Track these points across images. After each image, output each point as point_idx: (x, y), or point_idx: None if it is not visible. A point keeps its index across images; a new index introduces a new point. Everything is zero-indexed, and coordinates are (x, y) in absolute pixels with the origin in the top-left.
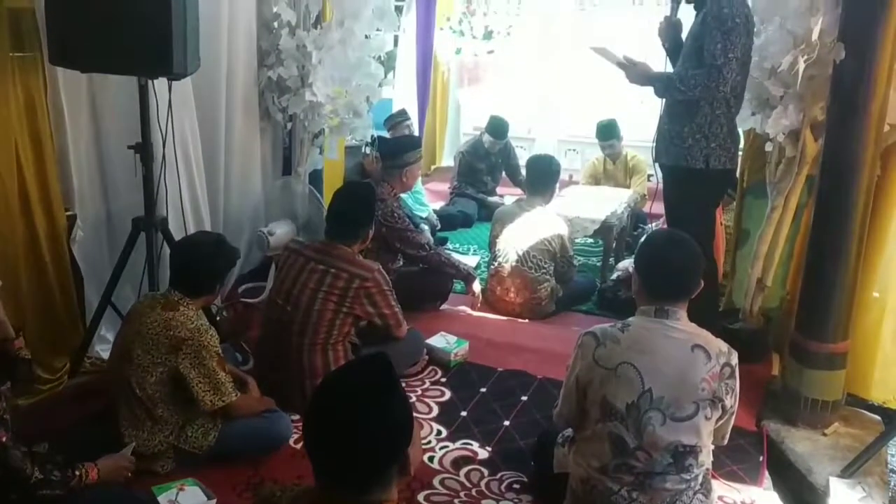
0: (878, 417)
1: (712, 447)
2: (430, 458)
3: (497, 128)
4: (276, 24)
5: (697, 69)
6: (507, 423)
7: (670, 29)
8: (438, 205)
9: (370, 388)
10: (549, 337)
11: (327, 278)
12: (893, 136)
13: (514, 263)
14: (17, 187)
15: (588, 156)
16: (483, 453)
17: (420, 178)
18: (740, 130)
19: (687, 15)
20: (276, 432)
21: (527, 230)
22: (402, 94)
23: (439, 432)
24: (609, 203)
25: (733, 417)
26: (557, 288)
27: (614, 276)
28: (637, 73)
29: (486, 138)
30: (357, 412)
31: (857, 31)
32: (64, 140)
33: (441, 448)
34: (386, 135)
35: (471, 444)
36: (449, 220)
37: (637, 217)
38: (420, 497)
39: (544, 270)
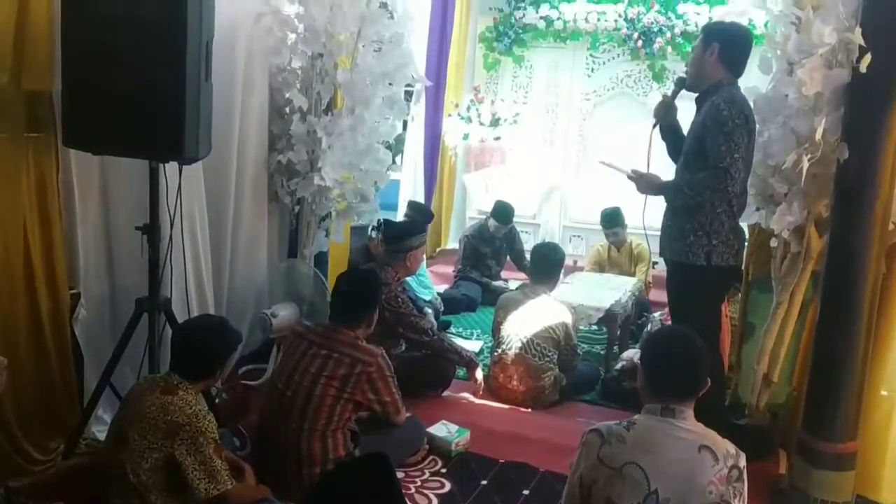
0: None
1: None
2: None
3: (502, 212)
4: (287, 109)
5: (702, 172)
6: None
7: (662, 109)
8: (442, 288)
9: (370, 497)
10: (553, 427)
11: (329, 363)
12: None
13: (517, 351)
14: (23, 265)
15: (593, 242)
16: None
17: (425, 261)
18: (744, 225)
19: (686, 102)
20: None
21: (531, 317)
22: (409, 176)
23: None
24: (613, 291)
25: None
26: (561, 377)
27: (618, 365)
28: (646, 184)
29: (491, 223)
30: None
31: (861, 132)
32: (72, 219)
33: None
34: (392, 216)
35: None
36: (453, 304)
37: (641, 305)
38: None
39: (548, 358)
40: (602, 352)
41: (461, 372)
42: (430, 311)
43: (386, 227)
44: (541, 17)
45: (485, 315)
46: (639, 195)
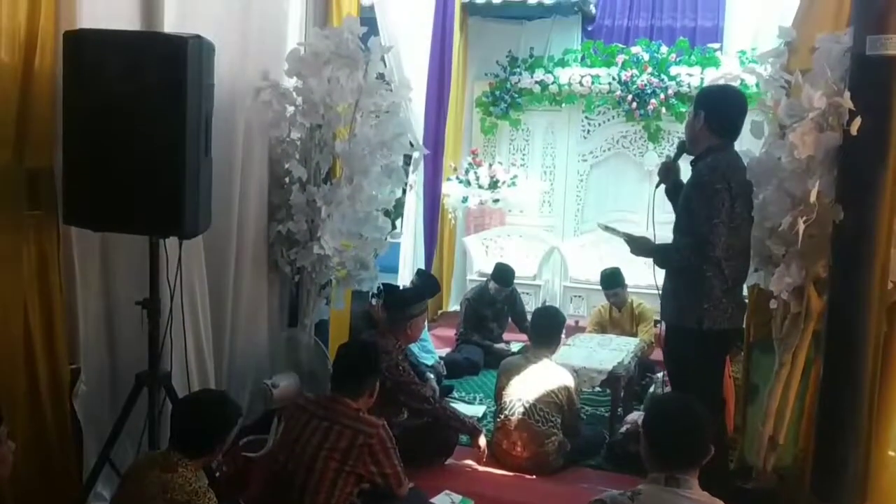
0: None
1: None
2: None
3: (502, 275)
4: (287, 179)
5: (687, 237)
6: None
7: (664, 171)
8: (445, 351)
9: None
10: (557, 495)
11: (331, 436)
12: None
13: (520, 416)
14: (23, 340)
15: (594, 302)
16: None
17: (427, 325)
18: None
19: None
20: None
21: (533, 382)
22: (409, 239)
23: None
24: (615, 353)
25: None
26: (565, 442)
27: (623, 429)
28: (638, 247)
29: (492, 285)
30: None
31: (855, 193)
32: (73, 295)
33: None
34: (393, 279)
35: None
36: (455, 368)
37: (644, 366)
38: None
39: (551, 423)
40: (606, 414)
41: (464, 438)
42: (432, 376)
43: (387, 294)
44: (536, 82)
45: (487, 378)
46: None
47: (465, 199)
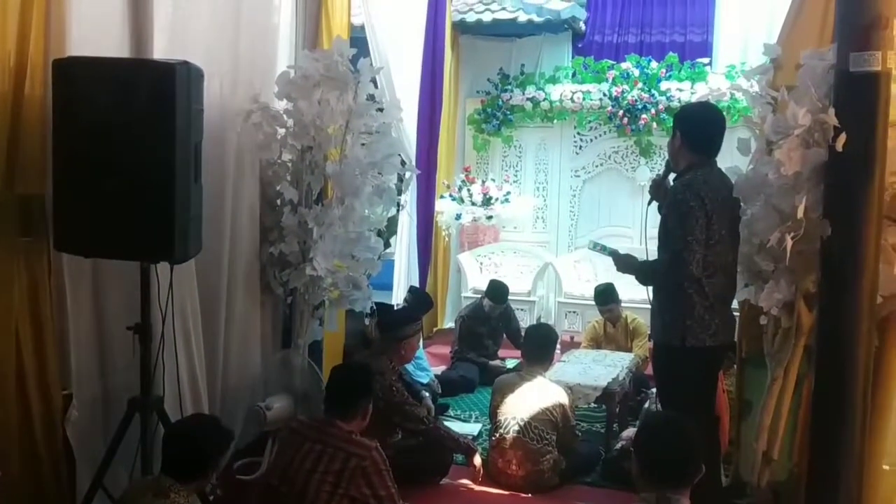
0: None
1: None
2: None
3: (496, 292)
4: (278, 201)
5: (666, 254)
6: None
7: (654, 188)
8: (440, 369)
9: None
10: None
11: (324, 459)
12: (887, 307)
13: (515, 434)
14: (14, 367)
15: (588, 317)
16: None
17: (422, 343)
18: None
19: None
20: None
21: (528, 400)
22: (403, 257)
23: None
24: (610, 369)
25: None
26: (561, 459)
27: (618, 445)
28: (623, 264)
29: (486, 302)
30: None
31: (842, 208)
32: (64, 321)
33: None
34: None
35: None
36: (450, 386)
37: (639, 381)
38: None
39: (547, 441)
40: (602, 430)
41: (460, 457)
42: (427, 394)
43: (380, 314)
44: (527, 99)
45: (483, 396)
46: None
47: (458, 217)
